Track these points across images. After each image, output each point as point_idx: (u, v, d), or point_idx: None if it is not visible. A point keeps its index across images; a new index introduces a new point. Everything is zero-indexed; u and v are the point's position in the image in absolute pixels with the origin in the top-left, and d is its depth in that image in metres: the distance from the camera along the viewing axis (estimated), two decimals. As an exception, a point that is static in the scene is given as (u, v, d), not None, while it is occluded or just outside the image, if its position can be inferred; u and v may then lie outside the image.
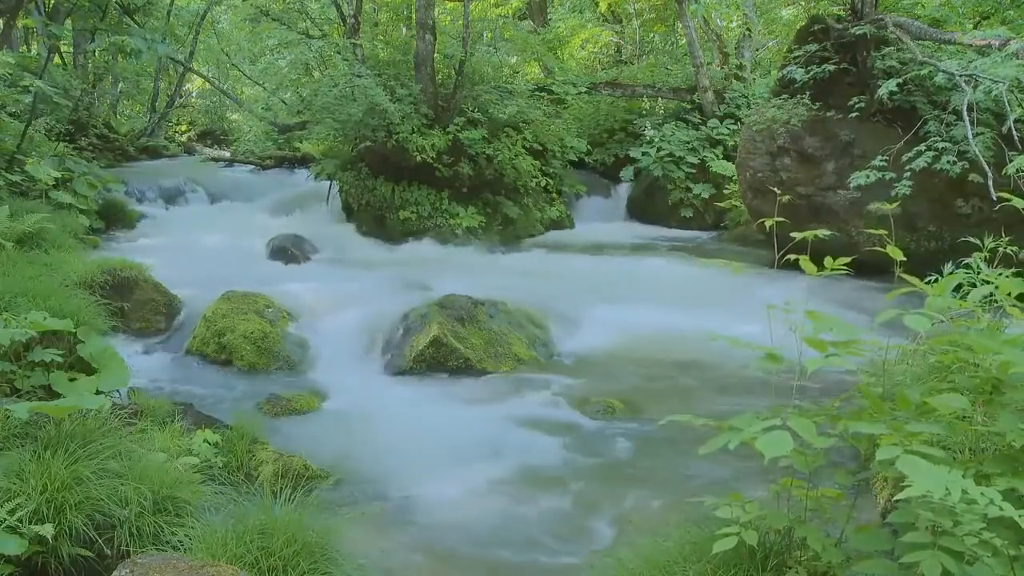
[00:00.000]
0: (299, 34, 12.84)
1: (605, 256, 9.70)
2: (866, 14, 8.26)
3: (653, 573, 2.42)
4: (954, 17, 9.55)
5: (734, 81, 13.68)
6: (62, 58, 14.55)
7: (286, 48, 12.83)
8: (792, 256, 2.51)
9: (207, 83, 20.38)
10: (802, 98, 8.34)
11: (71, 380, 3.93)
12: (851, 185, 7.66)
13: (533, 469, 4.17)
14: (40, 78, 8.04)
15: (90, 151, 12.85)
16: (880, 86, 7.50)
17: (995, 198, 5.65)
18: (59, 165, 8.73)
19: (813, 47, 8.36)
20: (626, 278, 8.28)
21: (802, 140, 8.40)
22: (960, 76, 6.85)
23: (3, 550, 2.43)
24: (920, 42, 7.83)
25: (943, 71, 7.07)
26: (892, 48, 8.07)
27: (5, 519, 2.48)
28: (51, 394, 3.76)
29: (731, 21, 16.36)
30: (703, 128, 12.70)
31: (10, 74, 7.94)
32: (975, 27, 9.26)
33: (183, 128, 22.07)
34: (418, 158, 10.13)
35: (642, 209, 12.81)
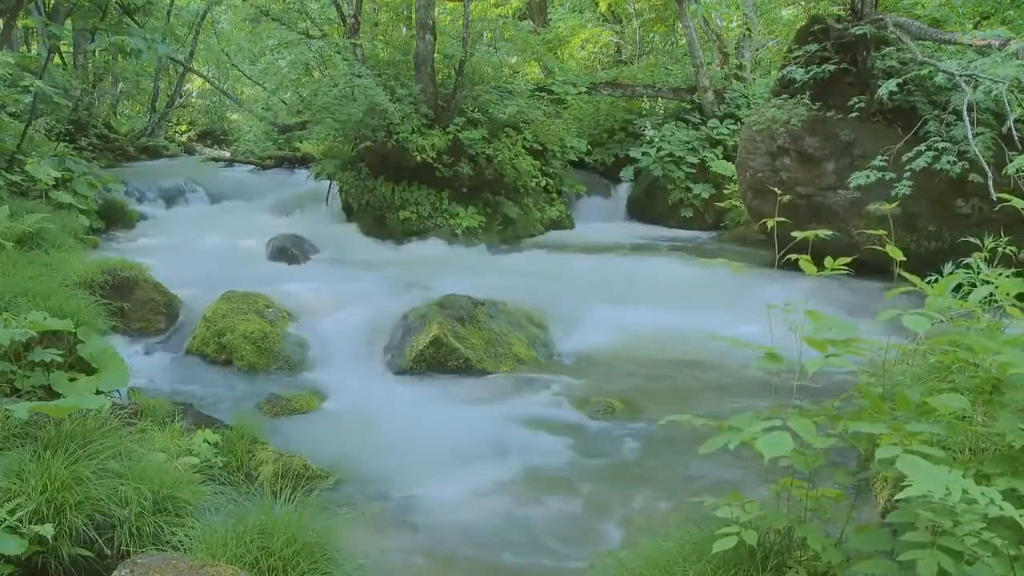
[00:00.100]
0: (299, 34, 12.84)
1: (605, 256, 9.69)
2: (866, 14, 8.26)
3: (653, 573, 2.42)
4: (954, 17, 9.55)
5: (734, 81, 13.68)
6: (62, 58, 14.55)
7: (286, 48, 12.83)
8: (792, 256, 2.51)
9: (207, 83, 20.38)
10: (802, 98, 8.34)
11: (71, 380, 3.93)
12: (851, 185, 7.66)
13: (533, 469, 4.17)
14: (40, 78, 8.04)
15: (90, 151, 12.85)
16: (880, 86, 7.49)
17: (995, 198, 5.65)
18: (59, 165, 8.72)
19: (813, 47, 8.36)
20: (626, 278, 8.28)
21: (802, 140, 8.40)
22: (960, 76, 6.85)
23: (3, 550, 2.43)
24: (920, 42, 7.83)
25: (943, 71, 7.07)
26: (892, 48, 8.07)
27: (5, 519, 2.48)
28: (51, 394, 3.76)
29: (731, 21, 16.36)
30: (703, 128, 12.70)
31: (10, 74, 7.94)
32: (975, 27, 9.26)
33: (183, 128, 22.07)
34: (418, 158, 10.13)
35: (642, 209, 12.81)
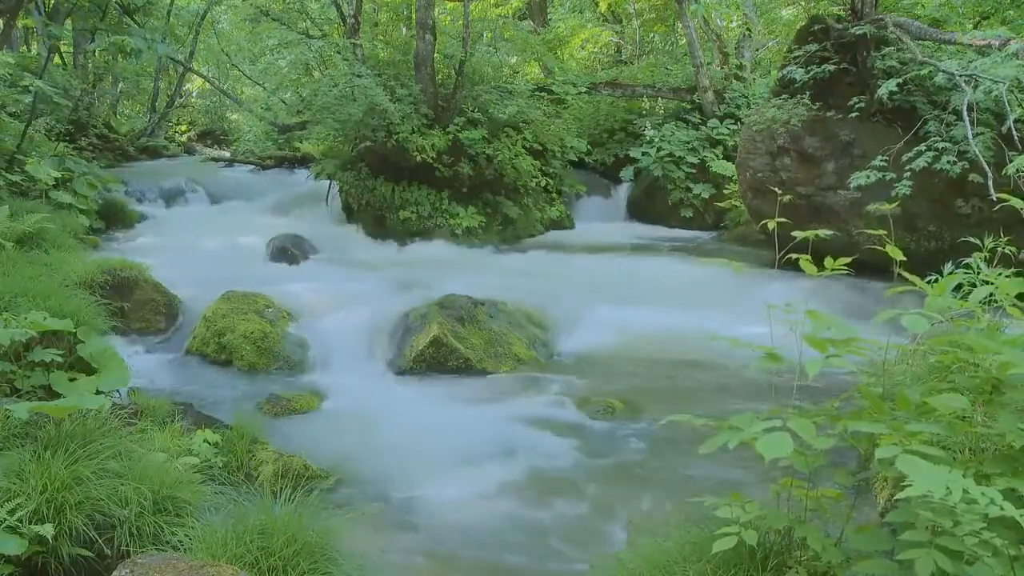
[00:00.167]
0: (299, 34, 12.84)
1: (605, 256, 9.70)
2: (866, 14, 8.26)
3: (653, 573, 2.42)
4: (954, 17, 9.55)
5: (734, 81, 13.68)
6: (62, 58, 14.55)
7: (286, 48, 12.83)
8: (792, 256, 2.51)
9: (207, 83, 20.39)
10: (802, 98, 8.34)
11: (71, 380, 3.94)
12: (851, 185, 7.65)
13: (533, 469, 4.17)
14: (40, 78, 8.04)
15: (90, 151, 12.85)
16: (880, 86, 7.49)
17: (995, 198, 5.65)
18: (59, 165, 8.72)
19: (813, 47, 8.36)
20: (626, 278, 8.28)
21: (802, 140, 8.40)
22: (960, 76, 6.84)
23: (3, 550, 2.43)
24: (920, 42, 7.82)
25: (943, 71, 7.07)
26: (892, 48, 8.06)
27: (5, 519, 2.48)
28: (51, 394, 3.76)
29: (731, 21, 16.36)
30: (703, 128, 12.70)
31: (10, 74, 7.94)
32: (975, 27, 9.25)
33: (183, 128, 22.08)
34: (418, 158, 10.13)
35: (642, 209, 12.81)
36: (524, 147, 11.29)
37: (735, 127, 12.24)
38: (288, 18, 13.42)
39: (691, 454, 4.04)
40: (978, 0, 9.72)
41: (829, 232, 2.60)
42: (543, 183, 11.73)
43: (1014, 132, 6.43)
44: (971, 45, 7.33)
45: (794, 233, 2.51)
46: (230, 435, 4.00)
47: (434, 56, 10.70)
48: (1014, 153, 6.26)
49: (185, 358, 5.82)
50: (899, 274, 2.45)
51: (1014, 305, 2.50)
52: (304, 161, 13.89)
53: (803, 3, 13.27)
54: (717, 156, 12.25)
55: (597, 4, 17.88)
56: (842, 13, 8.78)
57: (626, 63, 16.89)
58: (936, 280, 2.57)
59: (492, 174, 10.85)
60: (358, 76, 10.11)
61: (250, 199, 12.47)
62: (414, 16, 11.41)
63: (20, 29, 12.40)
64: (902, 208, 6.70)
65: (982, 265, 3.61)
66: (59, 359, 3.88)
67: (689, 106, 13.30)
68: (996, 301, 2.59)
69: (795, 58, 8.46)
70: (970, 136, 6.62)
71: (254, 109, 15.26)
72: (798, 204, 8.19)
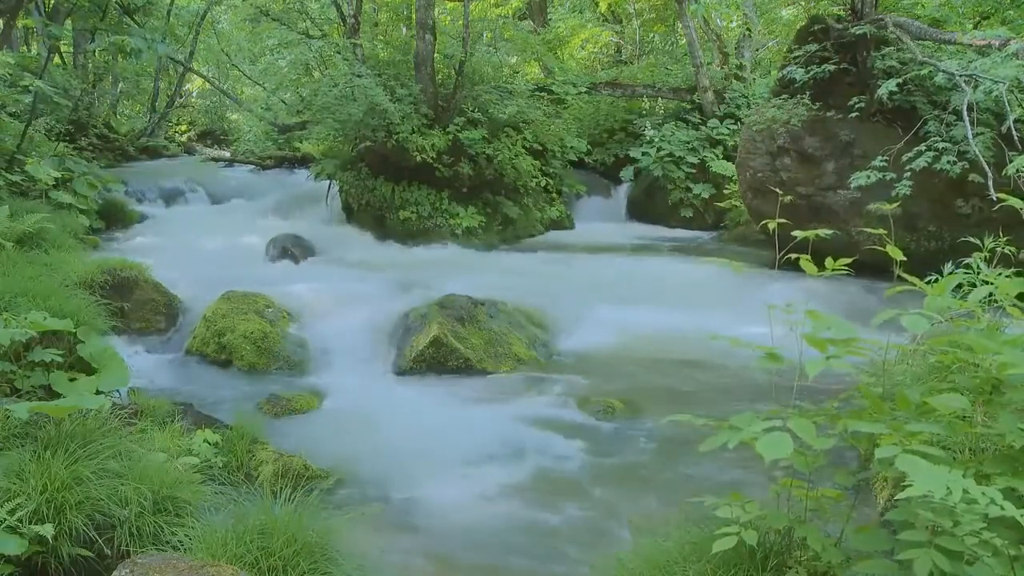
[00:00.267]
0: (299, 34, 12.84)
1: (605, 256, 9.70)
2: (866, 14, 8.26)
3: (653, 573, 2.42)
4: (954, 17, 9.55)
5: (734, 81, 13.68)
6: (62, 58, 14.56)
7: (286, 48, 12.83)
8: (792, 256, 2.51)
9: (207, 83, 20.39)
10: (802, 98, 8.34)
11: (71, 380, 3.94)
12: (851, 185, 7.65)
13: (533, 470, 4.17)
14: (40, 78, 8.04)
15: (90, 151, 12.86)
16: (880, 86, 7.49)
17: (995, 198, 5.65)
18: (59, 165, 8.73)
19: (813, 47, 8.36)
20: (626, 278, 8.28)
21: (802, 140, 8.40)
22: (960, 76, 6.84)
23: (3, 550, 2.43)
24: (920, 42, 7.82)
25: (943, 71, 7.07)
26: (892, 48, 8.06)
27: (5, 519, 2.48)
28: (51, 394, 3.76)
29: (731, 21, 16.36)
30: (703, 128, 12.70)
31: (10, 74, 7.95)
32: (975, 27, 9.25)
33: (183, 128, 22.09)
34: (418, 158, 10.13)
35: (642, 209, 12.82)
36: (524, 147, 11.29)
37: (735, 127, 12.25)
38: (288, 18, 13.42)
39: (691, 454, 4.04)
40: (978, 0, 9.72)
41: (829, 232, 2.60)
42: (543, 183, 11.73)
43: (1014, 132, 6.43)
44: (971, 45, 7.33)
45: (794, 233, 2.51)
46: (230, 435, 4.00)
47: (434, 56, 10.70)
48: (1014, 153, 6.26)
49: (185, 358, 5.82)
50: (899, 276, 2.45)
51: (1014, 305, 2.50)
52: (304, 161, 13.89)
53: (803, 3, 13.27)
54: (717, 156, 12.25)
55: (597, 4, 17.88)
56: (842, 13, 8.78)
57: (626, 63, 16.89)
58: (936, 280, 2.57)
59: (492, 174, 10.85)
60: (358, 76, 10.11)
61: (250, 199, 12.48)
62: (414, 16, 11.41)
63: (20, 29, 12.40)
64: (902, 208, 6.70)
65: (982, 265, 3.61)
66: (59, 359, 3.88)
67: (689, 106, 13.30)
68: (996, 301, 2.59)
69: (795, 58, 8.46)
70: (970, 136, 6.62)
71: (254, 109, 15.27)
72: (798, 204, 8.19)
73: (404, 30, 14.49)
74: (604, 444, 4.52)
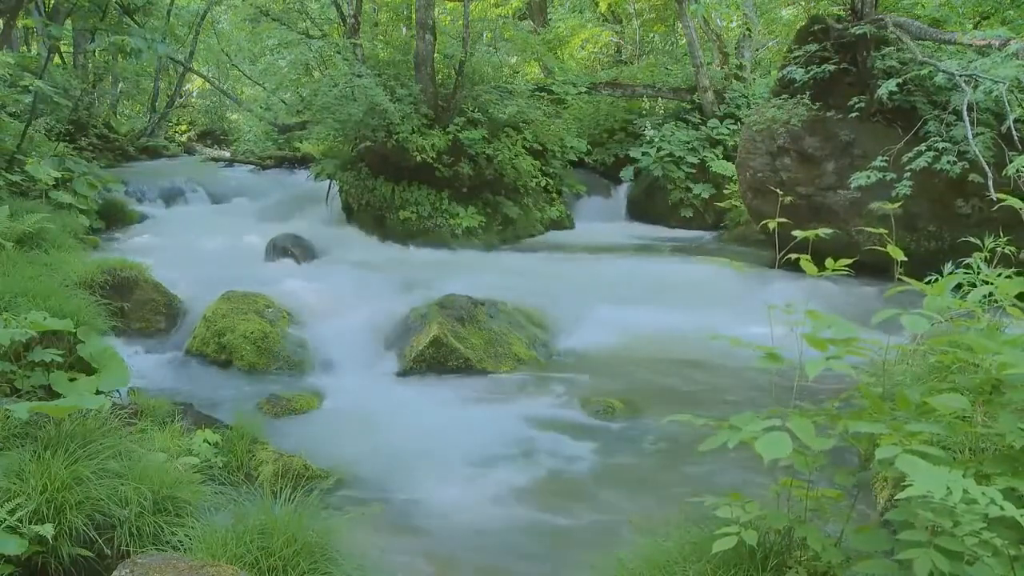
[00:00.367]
0: (299, 34, 12.84)
1: (605, 256, 9.70)
2: (866, 14, 8.26)
3: (653, 573, 2.42)
4: (954, 17, 9.55)
5: (734, 81, 13.68)
6: (62, 58, 14.56)
7: (286, 48, 12.83)
8: (792, 256, 2.51)
9: (207, 83, 20.39)
10: (802, 98, 8.34)
11: (71, 380, 3.94)
12: (851, 185, 7.65)
13: (533, 470, 4.16)
14: (40, 78, 8.04)
15: (90, 151, 12.87)
16: (880, 86, 7.49)
17: (995, 198, 5.65)
18: (59, 165, 8.73)
19: (813, 47, 8.36)
20: (626, 278, 8.28)
21: (802, 140, 8.40)
22: (960, 76, 6.84)
23: (3, 550, 2.43)
24: (920, 42, 7.82)
25: (943, 71, 7.07)
26: (892, 48, 8.06)
27: (5, 519, 2.48)
28: (51, 394, 3.76)
29: (731, 21, 16.36)
30: (703, 128, 12.71)
31: (10, 74, 7.95)
32: (975, 27, 9.26)
33: (183, 128, 22.10)
34: (418, 158, 10.13)
35: (642, 209, 12.82)
36: (524, 147, 11.29)
37: (735, 127, 12.25)
38: (288, 18, 13.42)
39: (691, 454, 4.04)
40: (978, 0, 9.72)
41: (829, 232, 2.60)
42: (543, 183, 11.73)
43: (1014, 132, 6.43)
44: (971, 45, 7.33)
45: (794, 233, 2.51)
46: (230, 435, 4.00)
47: (434, 56, 10.70)
48: (1014, 153, 6.26)
49: (185, 358, 5.82)
50: (899, 276, 2.45)
51: (1014, 305, 2.50)
52: (304, 161, 13.90)
53: (803, 3, 13.27)
54: (717, 156, 12.26)
55: (597, 4, 17.88)
56: (842, 13, 8.79)
57: (626, 63, 16.89)
58: (936, 280, 2.57)
59: (492, 174, 10.85)
60: (358, 76, 10.11)
61: (250, 199, 12.49)
62: (414, 16, 11.41)
63: (20, 29, 12.40)
64: (902, 208, 6.70)
65: (982, 265, 3.61)
66: (59, 359, 3.88)
67: (689, 106, 13.30)
68: (996, 301, 2.59)
69: (795, 58, 8.46)
70: (970, 136, 6.62)
71: (254, 109, 15.27)
72: (798, 204, 8.19)
73: (404, 30, 14.49)
74: (604, 444, 4.52)
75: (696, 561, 2.36)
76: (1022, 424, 2.05)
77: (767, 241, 8.51)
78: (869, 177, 7.39)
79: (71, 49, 15.21)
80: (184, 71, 17.43)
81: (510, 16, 16.06)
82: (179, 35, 16.42)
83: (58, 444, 2.91)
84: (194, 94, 23.79)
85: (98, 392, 3.86)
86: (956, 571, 1.81)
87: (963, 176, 7.07)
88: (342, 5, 12.25)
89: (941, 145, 7.15)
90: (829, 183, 8.26)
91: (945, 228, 7.66)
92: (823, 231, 2.54)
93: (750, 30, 15.14)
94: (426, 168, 10.30)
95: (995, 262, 3.81)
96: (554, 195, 12.25)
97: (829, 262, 2.46)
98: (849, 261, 2.44)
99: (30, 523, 2.55)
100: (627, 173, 13.03)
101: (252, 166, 14.24)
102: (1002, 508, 1.65)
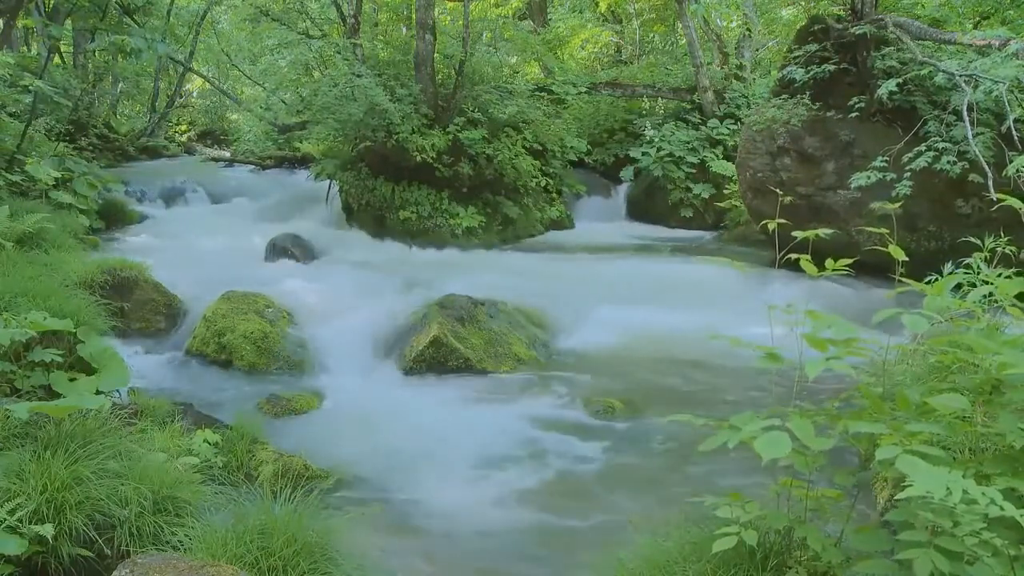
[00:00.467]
0: (299, 34, 12.85)
1: (605, 256, 9.70)
2: (866, 14, 8.26)
3: (653, 573, 2.42)
4: (954, 17, 9.55)
5: (734, 81, 13.68)
6: (62, 58, 14.56)
7: (286, 48, 12.83)
8: (793, 256, 2.51)
9: (207, 83, 20.39)
10: (802, 98, 8.34)
11: (71, 380, 3.93)
12: (851, 185, 7.65)
13: (533, 469, 4.16)
14: (40, 78, 8.04)
15: (90, 151, 12.87)
16: (880, 86, 7.49)
17: (995, 198, 5.65)
18: (59, 165, 8.73)
19: (813, 47, 8.36)
20: (626, 278, 8.28)
21: (802, 140, 8.40)
22: (960, 76, 6.84)
23: (3, 550, 2.43)
24: (920, 42, 7.82)
25: (943, 71, 7.07)
26: (892, 48, 8.06)
27: (5, 519, 2.48)
28: (51, 394, 3.76)
29: (731, 21, 16.36)
30: (703, 128, 12.71)
31: (10, 74, 7.95)
32: (975, 27, 9.26)
33: (183, 128, 22.10)
34: (418, 158, 10.13)
35: (642, 209, 12.82)
36: (524, 147, 11.29)
37: (735, 127, 12.25)
38: (288, 18, 13.43)
39: (692, 454, 4.04)
40: (978, 0, 9.72)
41: (829, 232, 2.60)
42: (543, 183, 11.73)
43: (1014, 132, 6.43)
44: (971, 45, 7.33)
45: (794, 233, 2.51)
46: (230, 435, 4.00)
47: (434, 56, 10.70)
48: (1014, 153, 6.25)
49: (185, 358, 5.82)
50: (899, 278, 2.45)
51: (1014, 305, 2.50)
52: (304, 161, 13.90)
53: (803, 3, 13.27)
54: (717, 156, 12.26)
55: (597, 4, 17.88)
56: (842, 13, 8.78)
57: (626, 63, 16.89)
58: (936, 280, 2.57)
59: (492, 174, 10.85)
60: (358, 76, 10.11)
61: (250, 199, 12.49)
62: (414, 16, 11.41)
63: (20, 29, 12.40)
64: (902, 208, 6.70)
65: (982, 265, 3.61)
66: (59, 359, 3.87)
67: (689, 106, 13.30)
68: (996, 301, 2.59)
69: (795, 58, 8.46)
70: (970, 136, 6.62)
71: (254, 109, 15.26)
72: (798, 204, 8.19)
73: (404, 30, 14.50)
74: (605, 444, 4.52)
75: (696, 561, 2.36)
76: (1022, 424, 2.05)
77: (767, 241, 8.51)
78: (869, 177, 7.38)
79: (71, 49, 15.22)
80: (184, 71, 17.43)
81: (510, 16, 16.07)
82: (179, 35, 16.41)
83: (58, 444, 2.91)
84: (194, 94, 23.80)
85: (98, 392, 3.85)
86: (956, 571, 1.81)
87: (963, 176, 7.06)
88: (342, 5, 12.26)
89: (941, 145, 7.15)
90: (829, 183, 8.26)
91: (945, 228, 7.66)
92: (823, 231, 2.54)
93: (750, 30, 15.14)
94: (426, 168, 10.30)
95: (995, 262, 3.81)
96: (554, 195, 12.26)
97: (829, 262, 2.46)
98: (849, 261, 2.44)
99: (30, 523, 2.54)
100: (627, 173, 13.03)
101: (252, 166, 14.24)
102: (1002, 508, 1.65)
